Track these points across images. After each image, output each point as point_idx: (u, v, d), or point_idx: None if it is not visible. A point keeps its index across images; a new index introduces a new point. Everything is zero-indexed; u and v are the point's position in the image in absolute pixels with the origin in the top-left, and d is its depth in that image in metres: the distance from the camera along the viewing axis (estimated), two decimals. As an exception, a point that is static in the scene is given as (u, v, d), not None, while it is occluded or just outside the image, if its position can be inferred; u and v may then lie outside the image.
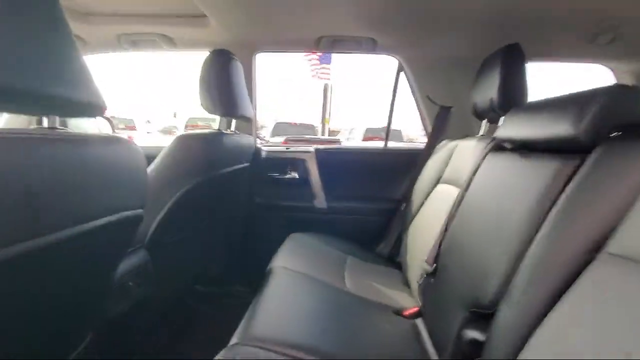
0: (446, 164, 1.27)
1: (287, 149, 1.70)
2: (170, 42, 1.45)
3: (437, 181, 1.28)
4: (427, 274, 0.96)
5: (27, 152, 0.43)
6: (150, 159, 1.05)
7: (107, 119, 2.21)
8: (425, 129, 1.59)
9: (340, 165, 1.67)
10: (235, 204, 1.56)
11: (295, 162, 1.66)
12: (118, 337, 0.95)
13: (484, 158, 0.93)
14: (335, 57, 10.58)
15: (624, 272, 0.43)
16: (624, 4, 1.02)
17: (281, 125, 9.48)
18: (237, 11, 1.18)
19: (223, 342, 0.73)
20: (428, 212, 1.26)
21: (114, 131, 2.23)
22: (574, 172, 0.58)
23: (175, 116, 14.35)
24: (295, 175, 1.66)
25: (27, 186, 0.42)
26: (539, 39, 1.28)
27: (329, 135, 10.81)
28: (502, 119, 1.09)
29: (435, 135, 1.50)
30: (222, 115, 1.18)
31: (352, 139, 8.52)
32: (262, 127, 9.20)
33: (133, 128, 9.98)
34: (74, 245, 0.52)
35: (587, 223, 0.51)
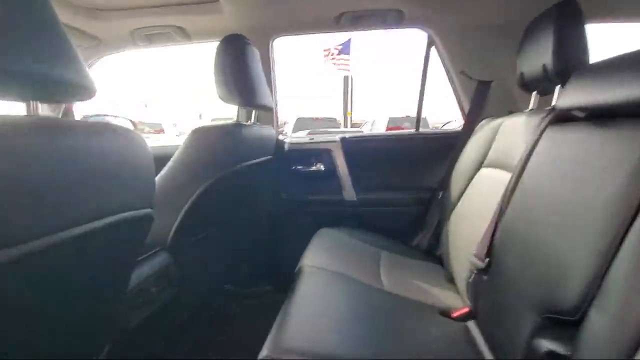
0: (489, 145, 1.13)
1: (310, 139, 1.61)
2: (184, 33, 1.39)
3: (480, 165, 1.14)
4: (477, 270, 0.84)
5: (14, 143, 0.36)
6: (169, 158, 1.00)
7: (131, 121, 2.21)
8: (462, 108, 1.43)
9: (369, 153, 1.56)
10: (260, 200, 1.49)
11: (320, 154, 1.57)
12: (139, 346, 0.90)
13: (541, 134, 0.79)
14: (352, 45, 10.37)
15: None
16: None
17: (303, 120, 9.40)
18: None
19: (252, 350, 0.66)
20: (471, 200, 1.12)
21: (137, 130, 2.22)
22: None
23: (200, 117, 14.64)
24: (321, 167, 1.56)
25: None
26: None
27: (351, 128, 10.65)
28: (557, 88, 0.94)
29: (474, 114, 1.35)
30: (241, 105, 1.09)
31: (374, 131, 8.31)
32: (284, 123, 9.15)
33: (161, 131, 10.16)
34: (70, 250, 0.46)
35: None
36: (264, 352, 0.64)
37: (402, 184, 1.53)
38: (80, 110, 1.80)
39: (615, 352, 0.40)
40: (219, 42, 1.06)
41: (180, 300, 0.98)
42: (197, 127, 0.98)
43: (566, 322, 0.51)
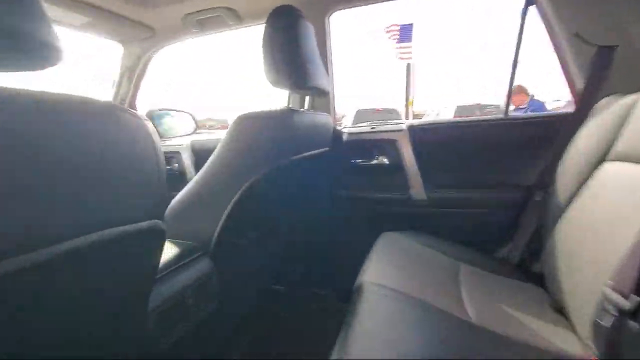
0: (616, 130, 0.83)
1: (372, 128, 1.40)
2: (236, 15, 1.28)
3: (602, 157, 0.85)
4: (618, 311, 0.58)
5: None
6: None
7: (189, 114, 2.21)
8: (573, 83, 1.11)
9: (442, 144, 1.30)
10: (315, 197, 1.34)
11: (383, 145, 1.36)
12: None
13: None
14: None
15: None
16: None
17: (363, 112, 9.09)
18: None
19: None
20: (593, 205, 0.83)
21: (197, 127, 2.21)
22: None
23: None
24: (385, 160, 1.35)
25: None
26: None
27: (414, 119, 10.05)
28: None
29: (592, 90, 1.02)
30: (292, 88, 0.94)
31: (441, 121, 7.68)
32: (342, 116, 8.95)
33: (227, 127, 10.69)
34: (55, 270, 0.34)
35: None
36: None
37: (485, 180, 1.25)
38: (143, 104, 1.82)
39: None
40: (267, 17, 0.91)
41: (223, 312, 0.86)
42: (240, 115, 0.84)
43: None
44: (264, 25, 0.89)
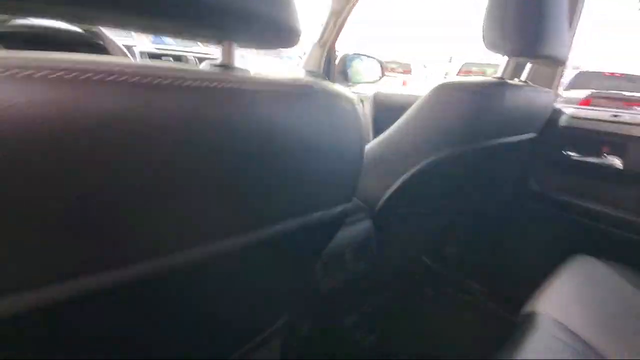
0: None
1: (613, 117, 1.03)
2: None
3: None
4: None
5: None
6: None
7: (378, 60, 2.18)
8: None
9: None
10: (501, 188, 1.15)
11: (618, 142, 0.99)
12: (324, 317, 0.89)
13: None
14: None
15: None
16: None
17: (587, 75, 6.85)
18: None
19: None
20: None
21: (383, 73, 2.17)
22: None
23: (450, 61, 13.62)
24: (618, 162, 1.00)
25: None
26: None
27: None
28: None
29: None
30: (512, 54, 0.75)
31: None
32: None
33: (408, 72, 10.09)
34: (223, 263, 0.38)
35: None
36: None
37: None
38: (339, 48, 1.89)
39: None
40: None
41: (374, 271, 0.90)
42: (442, 82, 0.74)
43: None
44: None
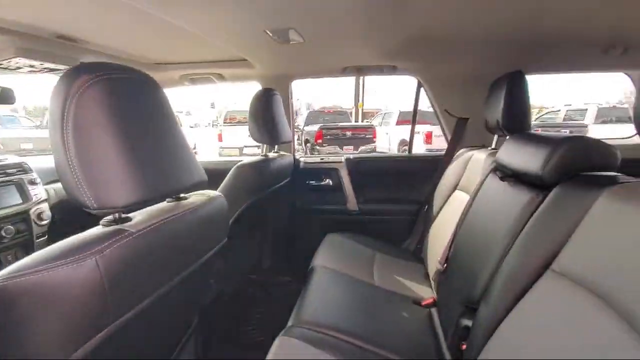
0: (463, 171, 1.45)
1: (321, 159, 1.96)
2: (222, 78, 1.75)
3: (455, 187, 1.47)
4: (440, 272, 1.19)
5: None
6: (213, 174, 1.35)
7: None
8: (447, 138, 1.76)
9: (369, 171, 1.91)
10: (281, 209, 1.86)
11: (329, 171, 1.92)
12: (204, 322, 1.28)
13: (486, 176, 1.11)
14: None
15: (561, 287, 0.61)
16: (632, 21, 1.10)
17: (314, 113, 9.67)
18: (276, 58, 1.43)
19: (277, 323, 1.02)
20: (445, 216, 1.46)
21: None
22: (540, 203, 0.77)
23: (212, 107, 14.90)
24: (330, 182, 1.92)
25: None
26: (554, 54, 1.39)
27: (362, 120, 10.85)
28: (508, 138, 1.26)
29: (454, 144, 1.67)
30: (269, 144, 1.45)
31: (386, 124, 8.51)
32: (296, 113, 9.43)
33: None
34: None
35: (542, 245, 0.70)
36: (290, 323, 1.00)
37: (396, 197, 1.87)
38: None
39: (489, 329, 0.74)
40: (253, 95, 1.40)
41: (226, 289, 1.36)
42: (239, 163, 1.33)
43: (474, 309, 0.86)
44: (250, 101, 1.39)
